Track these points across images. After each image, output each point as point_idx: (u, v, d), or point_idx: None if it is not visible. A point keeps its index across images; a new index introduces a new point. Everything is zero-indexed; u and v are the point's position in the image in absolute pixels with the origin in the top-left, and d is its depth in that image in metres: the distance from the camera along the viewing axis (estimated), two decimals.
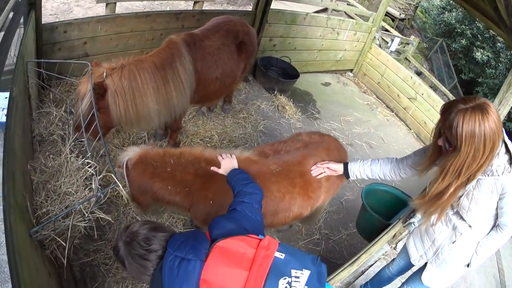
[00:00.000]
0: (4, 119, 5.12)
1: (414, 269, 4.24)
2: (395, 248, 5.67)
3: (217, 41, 5.35)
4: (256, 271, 2.19)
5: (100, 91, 4.29)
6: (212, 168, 3.60)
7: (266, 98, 7.94)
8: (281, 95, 8.05)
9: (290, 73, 8.45)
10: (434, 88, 12.45)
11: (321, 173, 3.97)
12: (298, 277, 2.21)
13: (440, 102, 8.51)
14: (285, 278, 2.19)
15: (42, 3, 5.46)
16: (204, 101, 6.00)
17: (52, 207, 3.53)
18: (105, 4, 6.91)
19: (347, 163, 3.95)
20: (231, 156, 3.65)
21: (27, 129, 4.24)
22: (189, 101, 5.14)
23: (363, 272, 5.18)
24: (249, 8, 7.82)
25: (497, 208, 3.17)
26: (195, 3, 8.18)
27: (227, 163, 3.55)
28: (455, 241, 3.50)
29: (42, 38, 5.71)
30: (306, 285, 2.20)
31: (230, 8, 12.24)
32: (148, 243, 2.33)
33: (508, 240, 3.41)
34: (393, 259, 4.49)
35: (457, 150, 2.79)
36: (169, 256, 2.26)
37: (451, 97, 9.57)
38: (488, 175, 2.98)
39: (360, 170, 3.87)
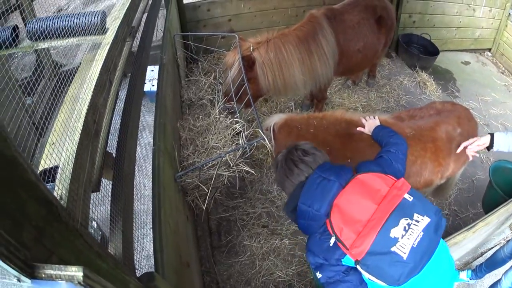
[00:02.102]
0: (150, 88, 5.50)
1: None
2: None
3: (357, 15, 5.33)
4: (384, 206, 2.29)
5: (249, 63, 4.49)
6: (358, 128, 3.70)
7: (408, 74, 7.82)
8: (422, 72, 7.86)
9: (431, 50, 8.21)
10: None
11: (475, 152, 3.72)
12: (418, 222, 2.26)
13: None
14: (406, 219, 2.26)
15: None
16: (347, 73, 6.06)
17: (198, 159, 3.75)
18: None
19: (493, 134, 3.60)
20: (374, 117, 3.74)
21: (176, 92, 4.53)
22: (332, 71, 5.19)
23: (482, 254, 4.97)
24: None
25: None
26: None
27: (371, 123, 3.61)
28: None
29: (185, 16, 6.03)
30: (423, 231, 2.24)
31: None
32: (305, 154, 2.67)
33: None
34: (508, 240, 4.28)
35: None
36: (315, 175, 2.54)
37: None
38: None
39: (506, 141, 3.52)
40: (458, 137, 3.97)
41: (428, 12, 8.30)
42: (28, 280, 0.99)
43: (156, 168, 2.85)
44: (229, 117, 4.25)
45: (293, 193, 2.61)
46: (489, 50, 9.80)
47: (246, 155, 3.88)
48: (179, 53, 5.13)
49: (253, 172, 3.97)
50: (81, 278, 1.04)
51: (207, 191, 3.61)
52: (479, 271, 4.58)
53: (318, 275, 2.45)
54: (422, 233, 2.23)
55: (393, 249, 2.20)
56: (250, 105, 4.13)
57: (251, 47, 4.57)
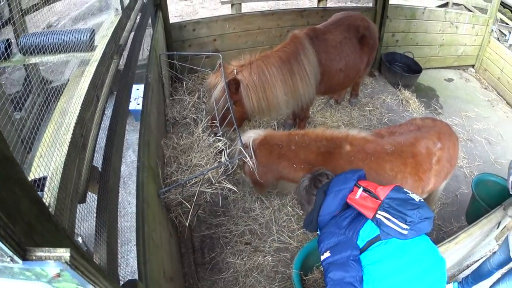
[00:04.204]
0: (135, 107, 5.63)
1: None
2: None
3: (339, 35, 5.51)
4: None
5: (233, 87, 4.64)
6: None
7: (391, 93, 8.00)
8: (405, 90, 8.07)
9: (414, 69, 8.43)
10: None
11: None
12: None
13: None
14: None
15: (168, 6, 5.98)
16: (330, 92, 6.20)
17: (182, 176, 3.88)
18: (230, 5, 7.30)
19: None
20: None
21: (161, 111, 4.67)
22: (314, 91, 5.33)
23: (468, 267, 5.10)
24: (371, 5, 7.89)
25: None
26: (319, 1, 8.38)
27: None
28: None
29: (171, 36, 6.20)
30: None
31: (353, 5, 12.28)
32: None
33: None
34: (494, 252, 4.41)
35: None
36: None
37: None
38: None
39: None
40: (438, 151, 4.12)
41: (411, 31, 8.53)
42: (20, 261, 1.12)
43: (140, 184, 2.98)
44: (212, 135, 4.37)
45: (317, 198, 3.32)
46: (473, 66, 10.08)
47: (228, 173, 4.02)
48: (164, 72, 5.29)
49: (235, 189, 4.12)
50: (68, 258, 1.17)
51: (190, 208, 3.72)
52: (466, 283, 4.69)
53: (326, 254, 2.96)
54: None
55: (407, 195, 3.00)
56: (234, 126, 4.28)
57: (235, 71, 4.72)
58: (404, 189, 3.06)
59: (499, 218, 4.13)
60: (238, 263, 4.52)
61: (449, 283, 4.89)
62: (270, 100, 4.92)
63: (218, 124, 4.48)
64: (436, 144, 4.13)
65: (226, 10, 7.49)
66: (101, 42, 3.37)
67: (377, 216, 2.89)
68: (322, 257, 2.99)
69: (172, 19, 6.64)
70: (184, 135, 4.42)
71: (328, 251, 2.95)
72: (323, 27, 5.59)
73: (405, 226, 2.80)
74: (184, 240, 4.60)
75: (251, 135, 4.13)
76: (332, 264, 2.90)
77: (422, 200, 2.98)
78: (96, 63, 3.02)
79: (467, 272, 5.01)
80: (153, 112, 4.03)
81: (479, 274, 4.56)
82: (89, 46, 3.19)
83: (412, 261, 2.86)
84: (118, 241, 2.61)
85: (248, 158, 3.92)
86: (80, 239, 3.81)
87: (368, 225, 2.99)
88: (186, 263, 4.47)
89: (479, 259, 5.12)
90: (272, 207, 5.07)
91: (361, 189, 3.09)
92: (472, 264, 5.15)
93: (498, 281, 4.10)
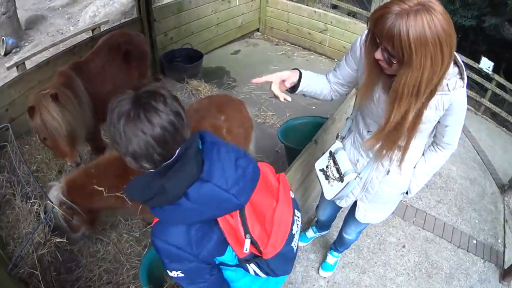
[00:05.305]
0: None
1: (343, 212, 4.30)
2: None
3: (101, 60, 5.70)
4: (283, 203, 2.25)
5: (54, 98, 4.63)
6: None
7: (179, 88, 8.18)
8: (192, 80, 8.32)
9: (195, 57, 8.67)
10: (352, 14, 12.76)
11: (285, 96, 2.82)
12: (298, 217, 2.43)
13: (350, 23, 9.03)
14: (297, 216, 2.41)
15: None
16: None
17: (19, 249, 4.07)
18: (16, 67, 7.23)
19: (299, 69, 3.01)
20: None
21: None
22: (91, 121, 5.42)
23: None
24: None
25: (435, 127, 2.82)
26: (92, 31, 8.49)
27: None
28: (389, 171, 3.13)
29: None
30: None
31: (123, 20, 12.21)
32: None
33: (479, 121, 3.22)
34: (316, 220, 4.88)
35: (407, 64, 2.20)
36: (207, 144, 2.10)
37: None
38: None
39: (309, 80, 3.01)
40: (224, 123, 4.43)
41: (183, 23, 8.82)
42: None
43: None
44: (28, 201, 4.50)
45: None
46: (258, 30, 10.79)
47: (51, 228, 4.11)
48: None
49: (65, 240, 4.24)
50: None
51: (38, 273, 3.83)
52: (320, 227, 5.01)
53: (174, 273, 2.09)
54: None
55: (292, 245, 2.29)
56: None
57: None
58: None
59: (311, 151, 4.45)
60: None
61: (307, 230, 5.17)
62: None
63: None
64: (219, 117, 4.45)
65: (16, 73, 7.36)
66: None
67: (247, 265, 2.27)
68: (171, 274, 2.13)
69: None
70: (9, 211, 4.59)
71: (174, 263, 2.07)
72: (86, 58, 5.77)
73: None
74: None
75: (54, 192, 4.08)
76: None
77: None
78: None
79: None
80: None
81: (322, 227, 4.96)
82: None
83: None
84: None
85: (56, 207, 3.97)
86: None
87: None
88: None
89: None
90: (112, 241, 5.21)
91: (248, 240, 2.06)
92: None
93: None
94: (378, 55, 2.32)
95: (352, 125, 3.39)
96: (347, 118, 3.50)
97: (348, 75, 3.02)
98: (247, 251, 2.07)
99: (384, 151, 2.81)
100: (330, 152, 3.45)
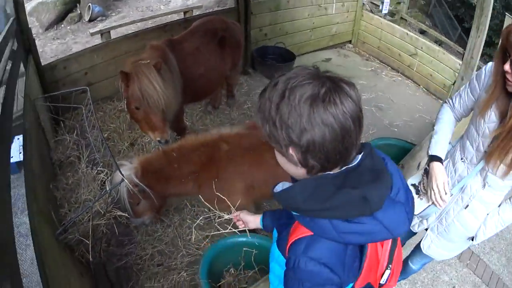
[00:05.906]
0: (19, 157, 5.61)
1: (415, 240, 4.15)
2: None
3: (195, 42, 5.68)
4: None
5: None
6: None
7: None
8: None
9: (288, 57, 8.63)
10: (438, 42, 12.50)
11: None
12: None
13: (439, 52, 8.74)
14: None
15: (42, 48, 5.87)
16: (197, 98, 6.25)
17: (75, 215, 3.92)
18: (100, 35, 7.41)
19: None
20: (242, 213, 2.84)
21: (44, 155, 4.73)
22: (181, 100, 5.39)
23: None
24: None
25: None
26: (184, 13, 8.63)
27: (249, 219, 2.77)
28: (467, 205, 3.09)
29: (45, 78, 6.14)
30: None
31: (218, 8, 12.39)
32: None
33: None
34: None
35: None
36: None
37: (457, 49, 9.41)
38: None
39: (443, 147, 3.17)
40: None
41: (278, 22, 8.83)
42: None
43: (33, 231, 3.05)
44: (94, 168, 4.45)
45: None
46: (350, 42, 10.65)
47: (115, 200, 4.02)
48: (42, 116, 5.29)
49: (126, 215, 4.12)
50: None
51: (89, 243, 3.78)
52: None
53: None
54: None
55: None
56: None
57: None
58: None
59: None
60: (156, 286, 4.62)
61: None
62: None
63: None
64: None
65: (98, 40, 7.48)
66: None
67: None
68: None
69: (49, 60, 6.59)
70: (70, 174, 4.53)
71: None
72: (180, 37, 5.78)
73: None
74: (100, 276, 4.64)
75: (125, 172, 3.94)
76: None
77: None
78: None
79: None
80: (35, 159, 4.08)
81: None
82: None
83: None
84: None
85: (127, 181, 3.86)
86: None
87: None
88: None
89: None
90: (173, 224, 5.20)
91: (388, 271, 1.77)
92: None
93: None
94: (507, 67, 2.44)
95: (450, 151, 3.40)
96: (449, 143, 3.43)
97: (471, 102, 3.10)
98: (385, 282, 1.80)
99: (495, 159, 2.76)
100: (425, 169, 3.36)
